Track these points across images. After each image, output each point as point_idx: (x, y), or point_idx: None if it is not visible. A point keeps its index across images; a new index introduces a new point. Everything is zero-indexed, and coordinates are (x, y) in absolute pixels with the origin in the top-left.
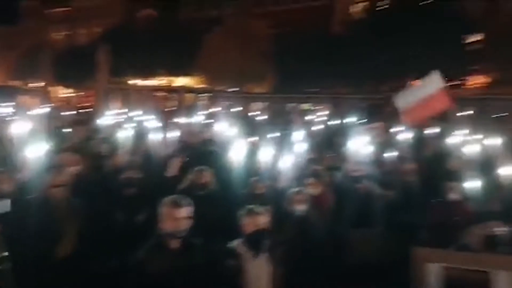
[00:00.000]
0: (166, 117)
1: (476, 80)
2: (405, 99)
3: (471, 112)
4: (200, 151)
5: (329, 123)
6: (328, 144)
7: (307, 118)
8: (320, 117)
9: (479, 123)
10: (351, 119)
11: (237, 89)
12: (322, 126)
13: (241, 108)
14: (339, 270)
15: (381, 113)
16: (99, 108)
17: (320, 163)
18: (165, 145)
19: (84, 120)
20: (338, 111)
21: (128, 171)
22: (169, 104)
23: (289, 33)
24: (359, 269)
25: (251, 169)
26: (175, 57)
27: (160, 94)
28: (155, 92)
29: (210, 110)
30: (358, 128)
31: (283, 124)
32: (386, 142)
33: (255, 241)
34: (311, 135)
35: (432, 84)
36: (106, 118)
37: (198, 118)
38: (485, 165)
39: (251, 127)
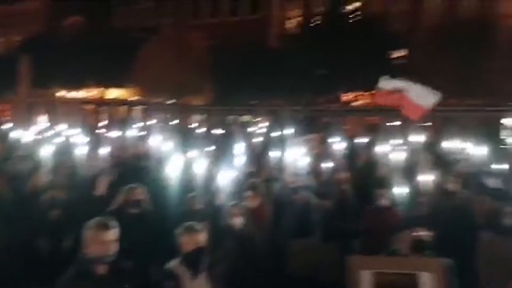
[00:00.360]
0: (96, 131)
1: None
2: (389, 84)
3: (398, 122)
4: (132, 167)
5: (267, 135)
6: (265, 156)
7: (247, 130)
8: (260, 129)
9: (406, 132)
10: (288, 131)
11: (174, 101)
12: (260, 139)
13: (178, 121)
14: (279, 281)
15: (317, 125)
16: (19, 123)
17: (258, 175)
18: (93, 161)
19: (1, 136)
20: (276, 123)
21: (51, 191)
22: (99, 118)
23: (226, 45)
24: (299, 279)
25: (188, 185)
26: (106, 68)
27: (90, 107)
28: (83, 105)
29: (145, 123)
30: (295, 139)
31: (222, 137)
32: (322, 153)
33: (194, 260)
34: (249, 148)
35: (424, 95)
36: (27, 134)
37: (131, 132)
38: (411, 172)
39: (188, 141)
